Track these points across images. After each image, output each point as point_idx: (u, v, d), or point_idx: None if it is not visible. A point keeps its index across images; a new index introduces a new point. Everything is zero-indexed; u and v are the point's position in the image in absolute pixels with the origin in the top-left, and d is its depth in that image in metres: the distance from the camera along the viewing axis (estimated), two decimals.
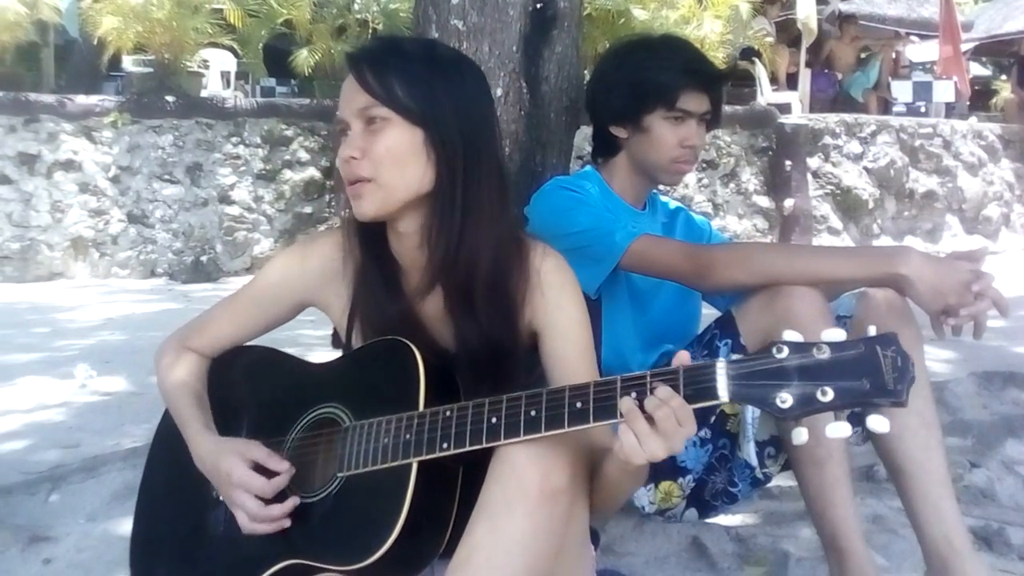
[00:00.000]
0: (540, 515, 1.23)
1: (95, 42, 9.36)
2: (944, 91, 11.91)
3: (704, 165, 9.67)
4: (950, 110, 12.31)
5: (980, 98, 14.34)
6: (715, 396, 1.16)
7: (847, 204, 10.26)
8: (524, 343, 1.50)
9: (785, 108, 10.61)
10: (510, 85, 2.39)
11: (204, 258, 8.64)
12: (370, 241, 1.51)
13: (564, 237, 1.77)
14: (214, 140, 8.83)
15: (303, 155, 9.01)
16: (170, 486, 1.62)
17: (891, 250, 1.81)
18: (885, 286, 1.80)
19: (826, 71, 12.61)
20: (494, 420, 1.25)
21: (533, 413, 1.23)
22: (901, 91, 12.13)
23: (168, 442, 1.63)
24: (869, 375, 1.10)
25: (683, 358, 1.20)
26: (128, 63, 9.52)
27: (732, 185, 9.93)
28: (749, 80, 10.85)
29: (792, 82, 11.76)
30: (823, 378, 1.11)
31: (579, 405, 1.21)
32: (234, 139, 8.88)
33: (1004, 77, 15.18)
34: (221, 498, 1.49)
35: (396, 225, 1.48)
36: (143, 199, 8.65)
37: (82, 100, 8.68)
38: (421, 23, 2.47)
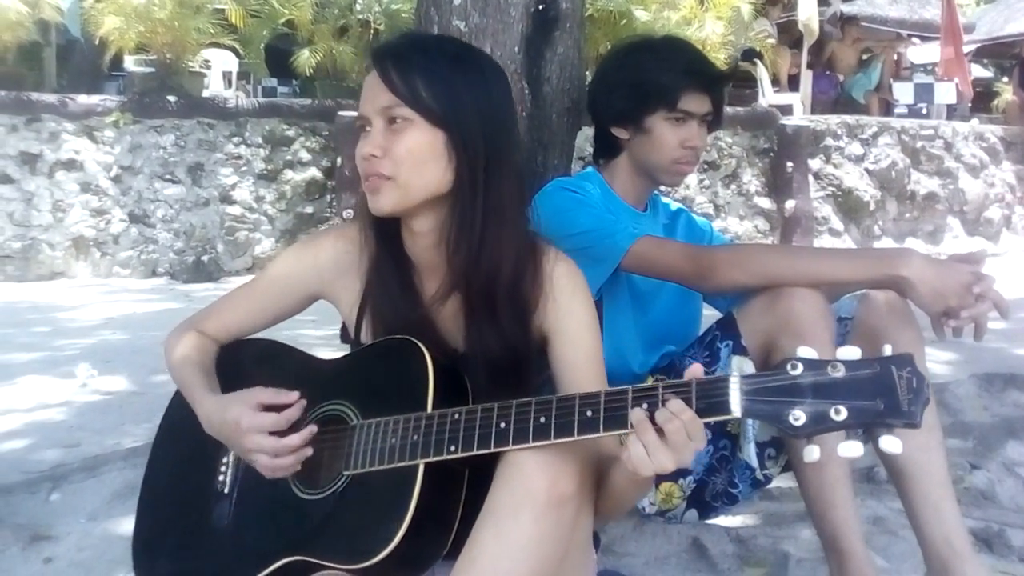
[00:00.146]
0: (547, 521, 1.23)
1: (97, 42, 9.38)
2: (945, 93, 11.92)
3: (705, 166, 9.66)
4: (951, 112, 12.31)
5: (982, 100, 14.34)
6: (727, 411, 1.15)
7: (848, 206, 10.26)
8: (535, 347, 1.50)
9: (786, 109, 10.61)
10: (512, 86, 2.39)
11: (205, 258, 8.64)
12: (385, 237, 1.51)
13: (565, 238, 1.77)
14: (215, 140, 8.84)
15: (304, 155, 9.01)
16: (175, 480, 1.62)
17: (892, 252, 1.81)
18: (886, 288, 1.80)
19: (827, 73, 12.60)
20: (503, 425, 1.25)
21: (543, 420, 1.23)
22: (903, 93, 12.13)
23: (173, 436, 1.64)
24: (884, 395, 1.09)
25: (696, 371, 1.20)
26: (130, 63, 9.53)
27: (733, 186, 9.92)
28: (750, 81, 10.86)
29: (793, 83, 11.75)
30: (837, 396, 1.10)
31: (589, 414, 1.21)
32: (235, 139, 8.88)
33: (1006, 79, 15.19)
34: (226, 491, 1.49)
35: (411, 223, 1.48)
36: (144, 199, 8.66)
37: (84, 100, 8.69)
38: (423, 24, 2.46)
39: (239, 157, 8.87)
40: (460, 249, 1.43)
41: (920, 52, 13.87)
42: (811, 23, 10.97)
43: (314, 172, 9.00)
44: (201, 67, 9.94)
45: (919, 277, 1.71)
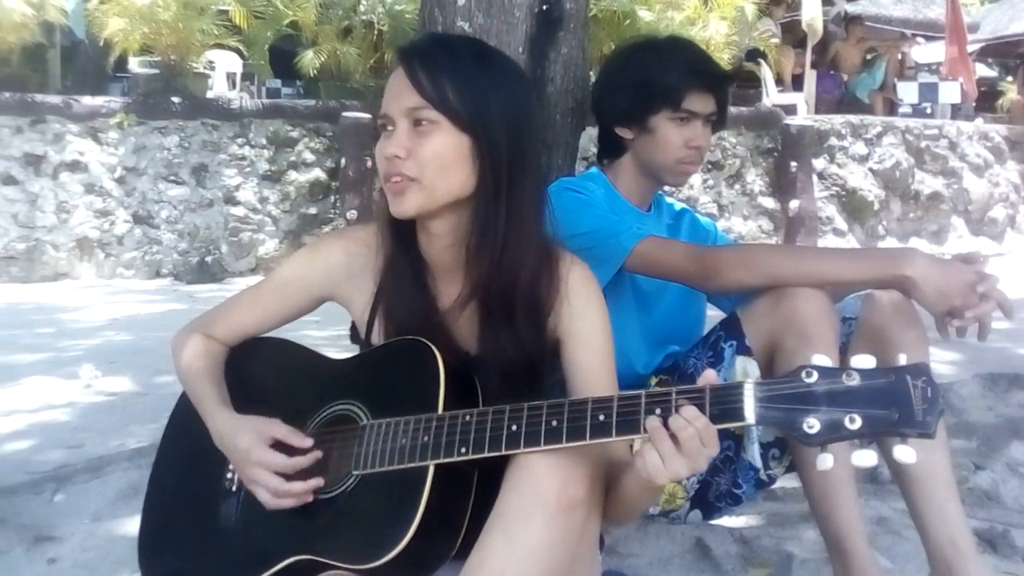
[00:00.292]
0: (557, 526, 1.22)
1: (101, 43, 9.42)
2: (950, 92, 11.91)
3: (709, 166, 9.66)
4: (956, 111, 12.31)
5: (986, 99, 14.30)
6: (741, 418, 1.14)
7: (852, 205, 10.25)
8: (549, 351, 1.49)
9: (790, 109, 10.60)
10: None
11: (209, 259, 8.66)
12: (401, 237, 1.50)
13: (569, 238, 1.76)
14: (219, 141, 8.85)
15: (308, 156, 9.02)
16: (182, 478, 1.61)
17: (896, 252, 1.81)
18: (890, 288, 1.80)
19: (832, 72, 12.59)
20: (514, 428, 1.24)
21: (554, 423, 1.22)
22: (907, 92, 12.12)
23: (180, 434, 1.64)
24: (898, 405, 1.09)
25: (709, 377, 1.20)
26: (134, 64, 9.56)
27: (737, 186, 9.92)
28: (754, 81, 10.85)
29: (797, 83, 11.75)
30: (852, 405, 1.10)
31: (601, 418, 1.20)
32: (239, 140, 8.90)
33: (1010, 78, 15.15)
34: (234, 488, 1.49)
35: (428, 225, 1.47)
36: (148, 200, 8.67)
37: (88, 101, 8.72)
38: (427, 25, 2.46)
39: (243, 158, 8.88)
40: (482, 256, 1.42)
41: (924, 51, 13.87)
42: (815, 23, 10.97)
43: (318, 173, 9.02)
44: (205, 68, 9.97)
45: (923, 277, 1.71)
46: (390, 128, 1.42)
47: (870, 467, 1.11)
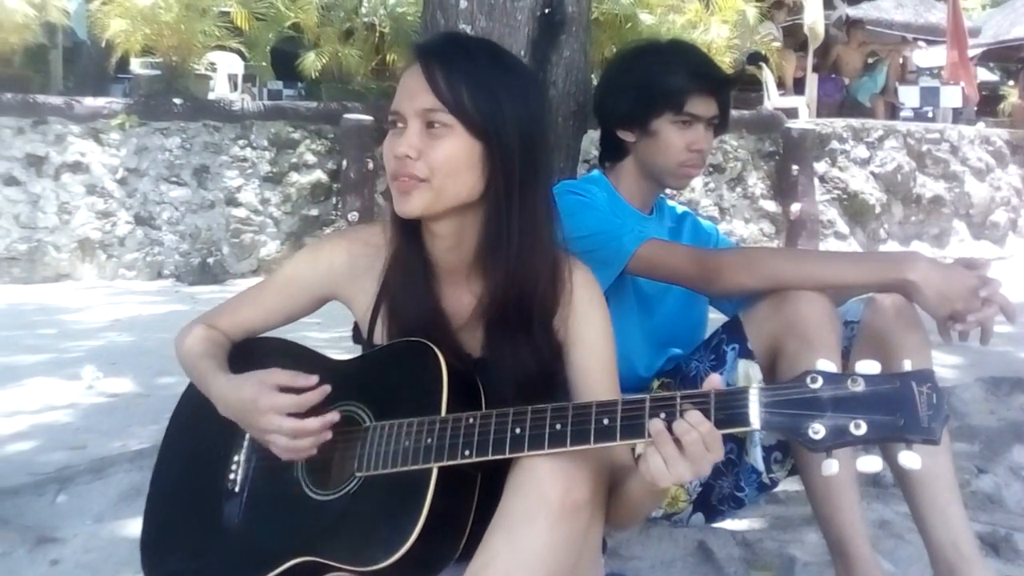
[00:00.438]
0: (561, 529, 1.22)
1: (103, 44, 9.43)
2: (951, 96, 11.91)
3: (711, 169, 9.66)
4: (957, 115, 12.30)
5: (987, 103, 14.32)
6: (746, 423, 1.14)
7: (854, 209, 10.25)
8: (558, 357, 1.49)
9: (792, 113, 10.61)
10: None
11: (211, 260, 8.66)
12: (407, 237, 1.49)
13: (571, 241, 1.76)
14: (221, 143, 8.86)
15: (310, 158, 9.02)
16: (184, 478, 1.61)
17: (899, 256, 1.81)
18: (893, 292, 1.80)
19: (833, 76, 12.60)
20: (518, 431, 1.24)
21: (559, 427, 1.22)
22: (908, 96, 12.12)
23: (183, 435, 1.64)
24: (904, 411, 1.09)
25: (714, 382, 1.19)
26: (136, 65, 9.58)
27: (739, 189, 9.92)
28: (756, 85, 10.86)
29: (799, 87, 11.76)
30: (857, 411, 1.10)
31: (606, 422, 1.20)
32: (241, 142, 8.90)
33: (1012, 82, 15.18)
34: (236, 489, 1.49)
35: (432, 226, 1.46)
36: (150, 201, 8.67)
37: (90, 102, 8.72)
38: (429, 28, 2.47)
39: (244, 160, 8.88)
40: (497, 265, 1.42)
41: (926, 56, 13.88)
42: (816, 26, 10.97)
43: (319, 175, 9.02)
44: (207, 70, 9.99)
45: (925, 281, 1.71)
46: (400, 125, 1.41)
47: (875, 472, 1.11)
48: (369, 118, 8.66)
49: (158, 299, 7.46)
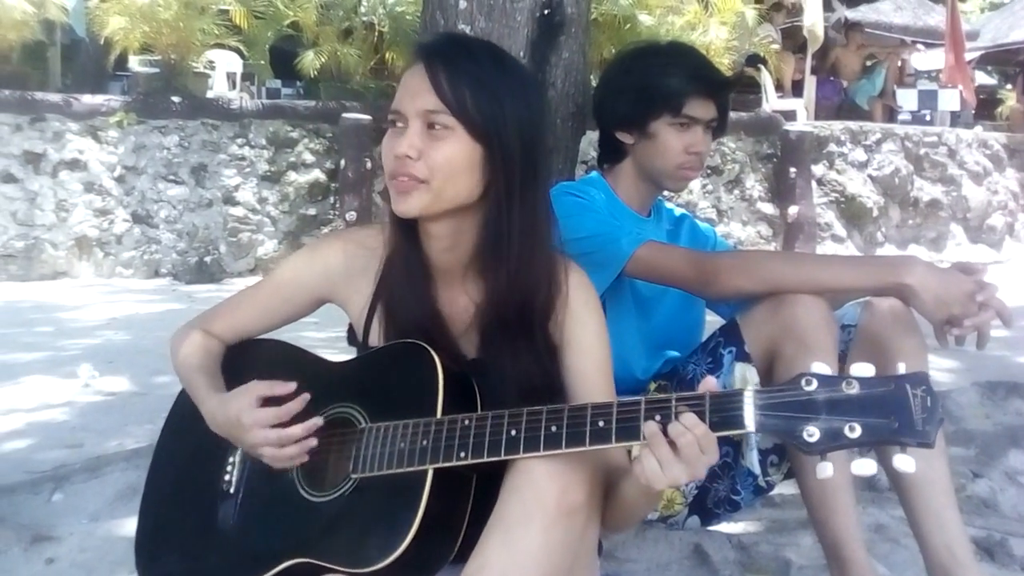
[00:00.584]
0: (557, 531, 1.22)
1: (102, 42, 9.41)
2: (949, 100, 11.91)
3: (709, 171, 9.66)
4: (955, 119, 12.30)
5: (985, 107, 14.33)
6: (741, 426, 1.15)
7: (851, 212, 10.26)
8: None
9: (790, 115, 10.62)
10: None
11: (208, 259, 8.65)
12: (405, 237, 1.49)
13: (569, 243, 1.77)
14: (219, 141, 8.85)
15: (308, 157, 9.01)
16: (179, 479, 1.61)
17: (896, 260, 1.82)
18: (890, 295, 1.80)
19: (831, 78, 12.60)
20: (513, 433, 1.24)
21: (554, 429, 1.22)
22: (906, 99, 12.11)
23: (178, 435, 1.63)
24: (898, 414, 1.09)
25: (710, 384, 1.20)
26: (134, 63, 9.55)
27: (736, 192, 9.93)
28: (754, 87, 10.86)
29: (797, 89, 11.75)
30: (851, 414, 1.10)
31: (601, 424, 1.20)
32: (239, 140, 8.89)
33: (1010, 86, 15.19)
34: (231, 490, 1.49)
35: (428, 226, 1.46)
36: (148, 199, 8.66)
37: (88, 100, 8.71)
38: (428, 28, 2.47)
39: (243, 158, 8.87)
40: (498, 269, 1.42)
41: (924, 59, 13.88)
42: (815, 29, 10.98)
43: (317, 174, 9.01)
44: (205, 68, 9.97)
45: (922, 285, 1.72)
46: (400, 125, 1.40)
47: (870, 475, 1.11)
48: (367, 117, 8.65)
49: (155, 297, 7.46)
